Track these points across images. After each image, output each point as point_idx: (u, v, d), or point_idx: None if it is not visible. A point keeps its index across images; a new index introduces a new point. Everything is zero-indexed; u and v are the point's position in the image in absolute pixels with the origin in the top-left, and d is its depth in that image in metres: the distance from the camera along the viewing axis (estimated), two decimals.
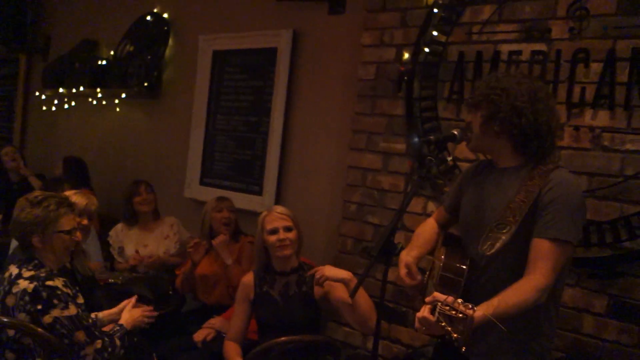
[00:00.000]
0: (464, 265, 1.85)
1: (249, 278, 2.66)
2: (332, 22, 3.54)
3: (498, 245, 1.72)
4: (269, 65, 3.84)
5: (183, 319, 3.25)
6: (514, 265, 1.79)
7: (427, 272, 2.08)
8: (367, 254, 3.03)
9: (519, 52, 2.62)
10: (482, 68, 2.74)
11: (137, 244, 3.70)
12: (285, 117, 3.74)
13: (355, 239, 3.21)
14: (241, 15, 4.06)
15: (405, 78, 2.99)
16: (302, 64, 3.71)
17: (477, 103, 1.86)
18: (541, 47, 2.56)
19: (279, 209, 2.67)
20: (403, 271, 1.95)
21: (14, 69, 6.31)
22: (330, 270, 2.37)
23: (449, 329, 1.43)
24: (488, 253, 1.73)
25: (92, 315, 2.39)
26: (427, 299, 1.57)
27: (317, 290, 2.50)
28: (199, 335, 2.90)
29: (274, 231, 2.56)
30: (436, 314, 1.50)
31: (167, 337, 3.01)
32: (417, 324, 1.61)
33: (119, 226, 3.80)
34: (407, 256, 1.96)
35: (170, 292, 3.25)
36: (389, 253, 1.78)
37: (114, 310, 2.46)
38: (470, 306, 1.44)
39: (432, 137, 1.92)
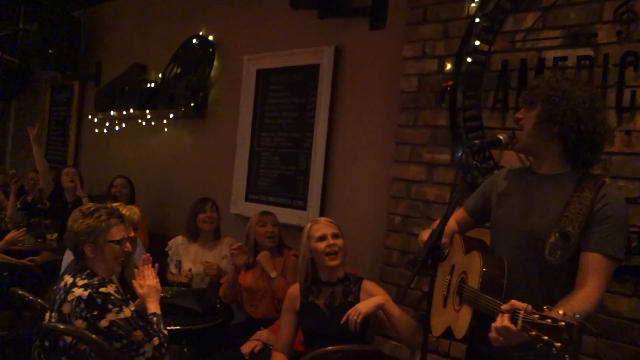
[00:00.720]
0: (502, 270, 1.82)
1: (294, 289, 2.68)
2: (374, 36, 3.57)
3: (565, 253, 1.71)
4: (311, 82, 3.90)
5: (231, 331, 3.28)
6: (564, 273, 1.77)
7: (448, 277, 2.05)
8: (413, 262, 3.01)
9: (565, 58, 2.58)
10: (526, 76, 2.71)
11: (194, 260, 3.76)
12: (328, 132, 3.78)
13: (400, 251, 3.19)
14: (284, 34, 4.15)
15: (448, 89, 2.99)
16: (344, 80, 3.75)
17: (535, 101, 1.84)
18: (587, 52, 2.52)
19: (325, 218, 2.70)
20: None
21: (68, 94, 6.61)
22: (364, 306, 2.39)
23: (546, 337, 1.39)
24: (556, 262, 1.72)
25: None
26: (504, 307, 1.56)
27: (363, 300, 2.50)
28: (246, 348, 2.93)
29: (323, 238, 2.59)
30: (519, 322, 1.47)
31: (216, 350, 3.04)
32: (493, 334, 1.57)
33: (179, 238, 3.87)
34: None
35: (218, 306, 3.29)
36: (435, 259, 1.77)
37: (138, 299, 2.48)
38: (563, 313, 1.41)
39: (476, 142, 1.91)
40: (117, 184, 4.72)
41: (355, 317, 2.33)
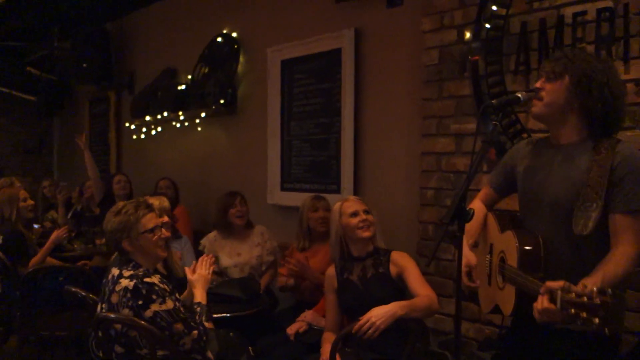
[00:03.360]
0: (538, 245, 1.83)
1: (331, 269, 2.75)
2: (392, 14, 3.58)
3: (591, 224, 1.71)
4: (335, 67, 3.94)
5: (279, 316, 3.36)
6: (597, 240, 1.77)
7: (488, 256, 2.06)
8: (440, 223, 3.03)
9: (584, 13, 2.55)
10: (547, 35, 2.68)
11: (230, 253, 3.82)
12: (355, 114, 3.81)
13: (435, 224, 3.20)
14: (304, 22, 4.20)
15: (469, 57, 2.98)
16: (367, 60, 3.77)
17: (562, 72, 1.81)
18: (607, 3, 2.48)
19: (354, 196, 2.76)
20: (465, 269, 1.96)
21: (105, 105, 6.84)
22: (381, 321, 2.29)
23: (584, 315, 1.41)
24: (585, 232, 1.72)
25: None
26: (542, 290, 1.58)
27: (392, 269, 2.60)
28: (291, 329, 2.99)
29: (355, 214, 2.66)
30: (558, 302, 1.49)
31: (262, 334, 3.12)
32: (537, 315, 1.61)
33: (212, 235, 3.90)
34: (468, 251, 1.98)
35: (261, 292, 3.37)
36: (461, 220, 1.78)
37: (187, 289, 2.60)
38: (596, 290, 1.41)
39: (494, 101, 1.91)
40: (162, 185, 4.86)
41: (372, 332, 2.29)
